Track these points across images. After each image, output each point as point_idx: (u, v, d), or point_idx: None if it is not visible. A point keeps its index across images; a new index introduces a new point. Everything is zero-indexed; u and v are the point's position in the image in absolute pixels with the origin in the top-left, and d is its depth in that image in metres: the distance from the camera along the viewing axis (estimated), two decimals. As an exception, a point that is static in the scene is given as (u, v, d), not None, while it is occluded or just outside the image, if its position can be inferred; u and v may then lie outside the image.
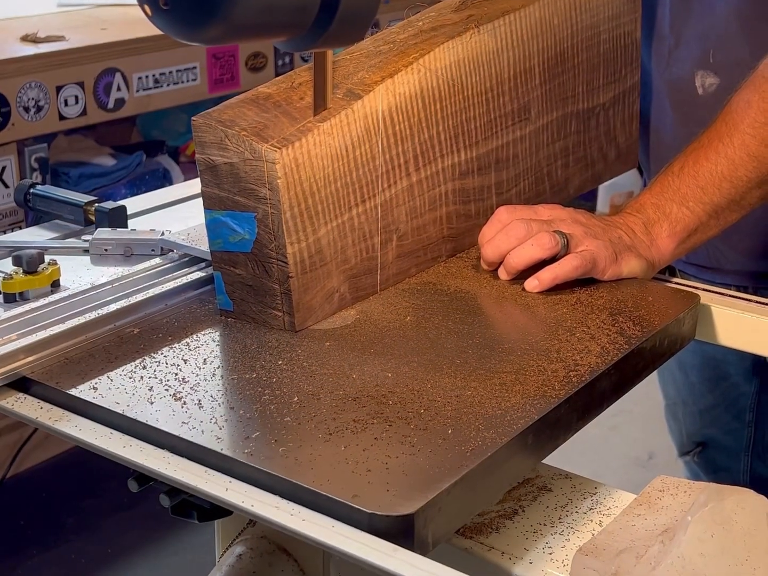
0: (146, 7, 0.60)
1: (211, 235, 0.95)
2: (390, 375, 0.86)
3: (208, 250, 1.04)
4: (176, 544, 2.33)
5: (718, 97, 1.30)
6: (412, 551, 0.68)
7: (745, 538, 0.75)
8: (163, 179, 2.89)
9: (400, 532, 0.69)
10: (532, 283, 1.02)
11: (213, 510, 0.85)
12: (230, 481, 0.74)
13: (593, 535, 0.82)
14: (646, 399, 1.97)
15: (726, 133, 1.08)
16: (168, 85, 2.87)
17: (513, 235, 1.03)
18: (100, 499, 2.45)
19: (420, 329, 0.94)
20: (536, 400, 0.82)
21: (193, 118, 0.92)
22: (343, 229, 0.97)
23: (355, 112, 0.95)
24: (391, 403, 0.81)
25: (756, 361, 1.61)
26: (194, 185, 1.32)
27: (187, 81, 2.92)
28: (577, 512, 0.85)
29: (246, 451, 0.75)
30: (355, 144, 0.96)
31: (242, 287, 0.95)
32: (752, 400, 1.67)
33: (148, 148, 3.01)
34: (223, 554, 0.99)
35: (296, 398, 0.82)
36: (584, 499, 0.87)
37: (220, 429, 0.78)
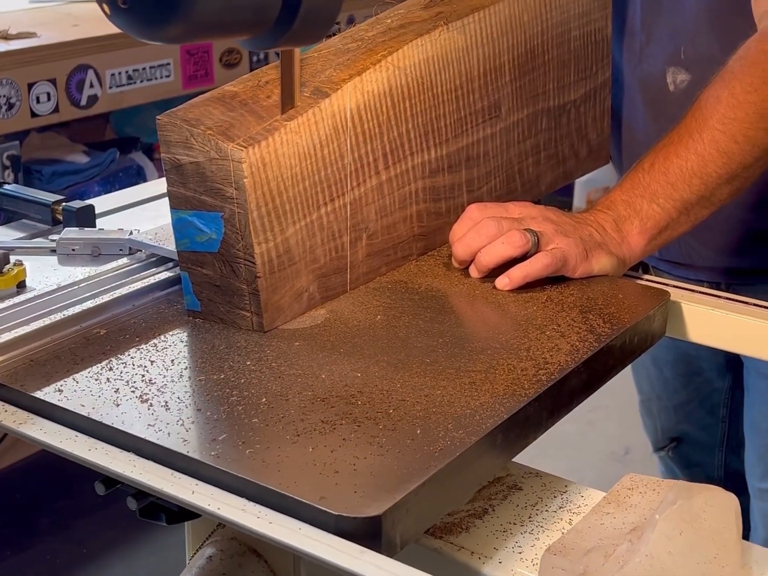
0: (105, 6, 0.59)
1: (178, 235, 0.94)
2: (359, 375, 0.85)
3: (175, 250, 1.03)
4: (152, 544, 2.31)
5: (690, 94, 1.30)
6: (380, 553, 0.67)
7: (714, 535, 0.75)
8: (137, 176, 2.88)
9: (368, 533, 0.68)
10: (502, 282, 1.02)
11: (182, 512, 0.84)
12: (197, 484, 0.73)
13: (563, 533, 0.82)
14: (623, 394, 1.98)
15: (696, 129, 1.08)
16: (141, 81, 2.85)
17: (484, 233, 1.03)
18: (74, 500, 2.44)
19: (390, 328, 0.93)
20: (506, 398, 0.82)
21: (158, 117, 0.91)
22: (312, 228, 0.96)
23: (322, 111, 0.95)
24: (360, 403, 0.81)
25: (729, 357, 1.62)
26: (163, 183, 1.31)
27: (161, 77, 2.90)
28: (547, 511, 0.85)
29: (213, 453, 0.74)
30: (323, 143, 0.95)
31: (210, 287, 0.94)
32: (726, 395, 1.68)
33: (122, 146, 2.99)
34: (193, 556, 0.99)
35: (264, 399, 0.81)
36: (554, 497, 0.87)
37: (187, 431, 0.77)
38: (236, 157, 0.88)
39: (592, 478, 2.64)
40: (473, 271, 1.05)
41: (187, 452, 0.75)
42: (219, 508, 0.71)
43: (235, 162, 0.88)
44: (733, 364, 1.64)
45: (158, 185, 1.29)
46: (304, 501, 0.69)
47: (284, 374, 0.85)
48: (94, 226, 1.14)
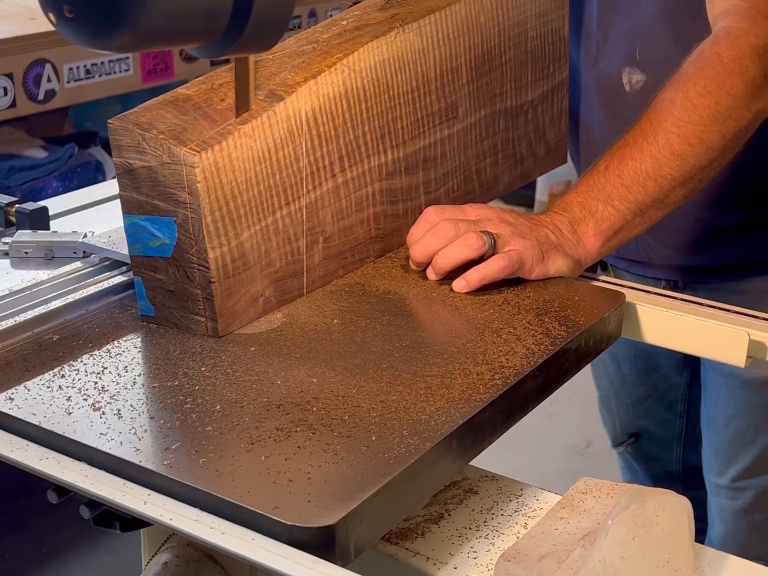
0: (50, 15, 0.58)
1: (131, 240, 0.93)
2: (315, 380, 0.85)
3: (127, 253, 1.02)
4: (112, 543, 2.30)
5: (645, 94, 1.31)
6: (334, 562, 0.67)
7: (667, 539, 0.75)
8: (96, 171, 2.85)
9: (321, 543, 0.68)
10: (459, 284, 1.02)
11: (136, 520, 0.84)
12: (149, 494, 0.72)
13: (518, 538, 0.82)
14: (584, 387, 1.99)
15: (650, 132, 1.09)
16: (100, 75, 2.82)
17: (441, 235, 1.03)
18: (32, 498, 2.41)
19: (347, 332, 0.93)
20: (461, 404, 0.82)
21: (109, 121, 0.90)
22: (267, 232, 0.96)
23: (277, 114, 0.94)
24: (315, 409, 0.81)
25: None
26: (115, 185, 1.30)
27: (120, 71, 2.88)
28: (502, 515, 0.85)
29: (165, 462, 0.74)
30: (278, 146, 0.95)
31: (163, 292, 0.93)
32: (684, 391, 1.70)
33: (81, 140, 2.97)
34: (148, 562, 0.98)
35: (219, 406, 0.81)
36: (510, 501, 0.87)
37: (140, 440, 0.77)
38: (189, 161, 0.87)
39: (553, 471, 2.66)
40: (430, 274, 1.05)
41: (140, 462, 0.74)
42: (171, 519, 0.70)
43: (187, 166, 0.88)
44: (691, 360, 1.65)
45: (113, 185, 1.27)
46: (257, 511, 0.69)
47: (239, 380, 0.85)
48: (48, 229, 1.13)
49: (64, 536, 2.30)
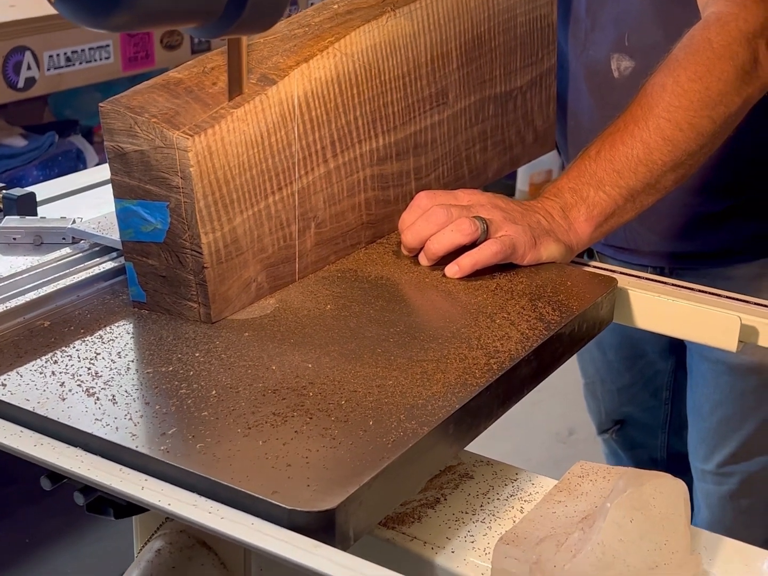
0: (48, -6, 0.58)
1: (122, 225, 0.92)
2: (310, 366, 0.84)
3: (118, 239, 1.02)
4: (98, 532, 2.29)
5: (634, 80, 1.31)
6: (333, 546, 0.67)
7: (664, 522, 0.76)
8: (77, 160, 2.83)
9: (321, 527, 0.68)
10: (452, 269, 1.02)
11: (130, 506, 0.83)
12: (146, 479, 0.72)
13: (514, 521, 0.82)
14: (568, 375, 1.99)
15: (641, 117, 1.09)
16: (80, 63, 2.80)
17: (433, 221, 1.02)
18: (16, 487, 2.40)
19: (340, 318, 0.93)
20: (457, 388, 0.82)
21: (100, 104, 0.90)
22: (260, 217, 0.95)
23: (269, 98, 0.93)
24: (311, 394, 0.80)
25: (672, 339, 1.63)
26: (105, 170, 1.29)
27: (100, 59, 2.86)
28: (498, 499, 0.85)
29: (162, 448, 0.73)
30: (270, 131, 0.94)
31: (155, 278, 0.93)
32: (669, 378, 1.70)
33: (61, 129, 2.94)
34: (141, 549, 0.97)
35: (214, 392, 0.80)
36: (505, 485, 0.87)
37: (135, 425, 0.76)
38: (182, 145, 0.87)
39: (538, 458, 2.67)
40: (423, 259, 1.04)
41: (136, 447, 0.73)
42: (169, 504, 0.70)
43: (180, 150, 0.87)
44: (676, 346, 1.66)
45: (100, 171, 1.27)
46: (256, 495, 0.69)
47: (234, 366, 0.84)
48: (36, 215, 1.12)
49: (49, 525, 2.29)
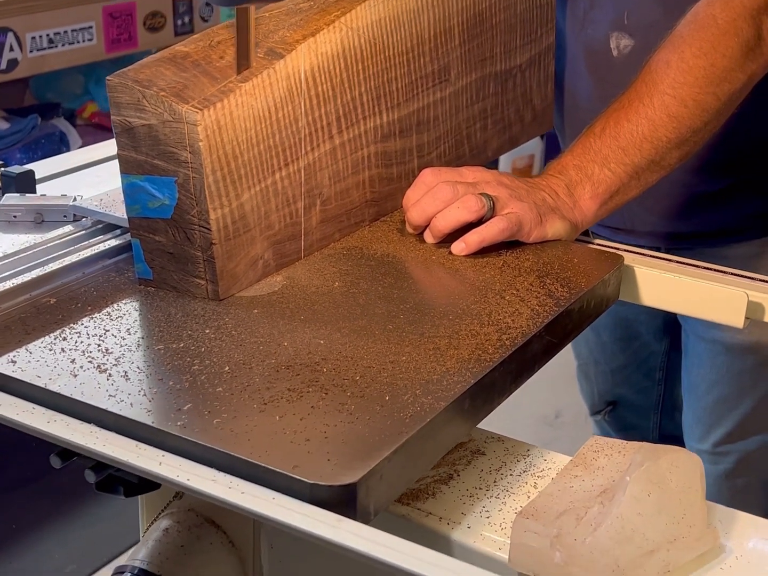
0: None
1: (129, 201, 0.91)
2: (322, 342, 0.84)
3: (123, 217, 1.00)
4: (85, 517, 2.28)
5: (633, 59, 1.30)
6: (355, 521, 0.67)
7: (681, 496, 0.75)
8: (60, 143, 2.81)
9: (343, 501, 0.67)
10: (458, 246, 1.01)
11: (141, 484, 0.82)
12: (163, 455, 0.71)
13: (528, 497, 0.82)
14: (554, 358, 2.00)
15: (646, 94, 1.08)
16: (63, 45, 2.78)
17: (439, 197, 1.02)
18: (3, 473, 2.38)
19: (349, 295, 0.92)
20: (471, 364, 0.81)
21: (108, 77, 0.88)
22: (267, 193, 0.94)
23: (277, 72, 0.92)
24: (325, 370, 0.80)
25: (666, 320, 1.64)
26: (101, 148, 1.28)
27: (83, 41, 2.83)
28: (511, 475, 0.85)
29: (179, 423, 0.72)
30: (277, 105, 0.93)
31: (162, 255, 0.92)
32: (662, 358, 1.70)
33: (43, 111, 2.92)
34: (147, 528, 0.97)
35: (227, 368, 0.80)
36: (517, 461, 0.86)
37: (150, 401, 0.75)
38: (191, 119, 0.86)
39: (524, 440, 2.67)
40: (428, 236, 1.04)
41: (152, 423, 0.73)
42: (188, 479, 0.69)
43: (189, 124, 0.86)
44: (670, 327, 1.66)
45: (97, 150, 1.26)
46: (277, 470, 0.68)
47: (245, 342, 0.84)
48: (35, 192, 1.10)
49: (37, 512, 2.27)
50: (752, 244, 1.40)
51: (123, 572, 0.92)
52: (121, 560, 2.18)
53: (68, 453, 0.78)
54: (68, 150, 2.81)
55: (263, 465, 0.68)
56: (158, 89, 0.86)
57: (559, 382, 2.43)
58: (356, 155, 1.04)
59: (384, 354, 0.82)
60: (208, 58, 0.91)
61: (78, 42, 2.81)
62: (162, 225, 0.90)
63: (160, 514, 0.96)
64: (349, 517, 0.66)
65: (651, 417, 1.79)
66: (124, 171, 0.90)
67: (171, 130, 0.86)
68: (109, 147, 1.22)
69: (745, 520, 0.80)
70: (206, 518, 0.93)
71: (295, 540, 0.88)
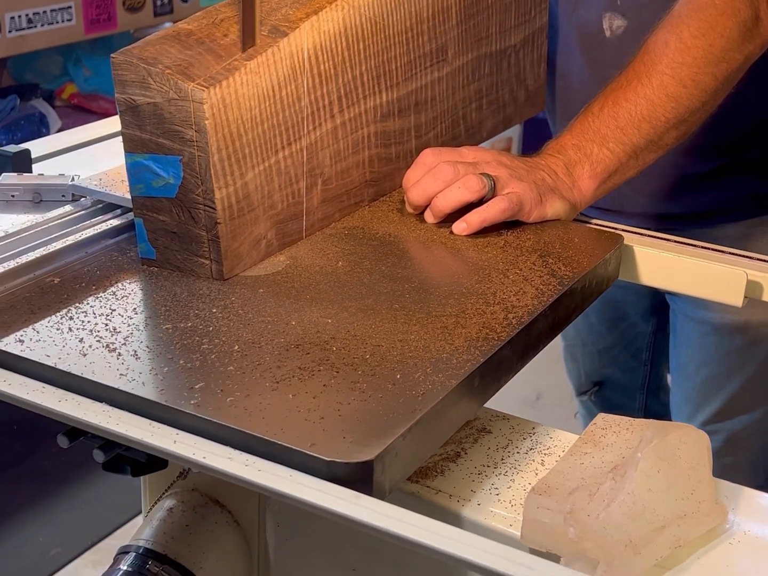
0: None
1: (132, 180, 0.91)
2: (330, 321, 0.84)
3: (124, 196, 1.00)
4: (69, 500, 2.27)
5: (626, 40, 1.31)
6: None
7: (689, 472, 0.76)
8: (40, 124, 2.78)
9: (359, 479, 0.67)
10: (460, 226, 1.01)
11: (147, 464, 0.82)
12: (177, 434, 0.71)
13: (536, 474, 0.82)
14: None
15: (645, 74, 1.09)
16: (42, 25, 2.75)
17: (440, 177, 1.02)
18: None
19: (353, 274, 0.92)
20: (479, 342, 0.81)
21: (112, 55, 0.87)
22: (270, 173, 0.94)
23: (281, 51, 0.92)
24: (335, 349, 0.80)
25: (654, 301, 1.65)
26: (95, 128, 1.27)
27: (62, 21, 2.80)
28: (518, 452, 0.85)
29: (192, 402, 0.72)
30: (281, 84, 0.93)
31: (166, 234, 0.91)
32: (649, 339, 1.72)
33: (22, 92, 2.89)
34: (150, 509, 0.96)
35: (237, 347, 0.80)
36: (524, 439, 0.87)
37: (162, 380, 0.75)
38: (197, 97, 0.85)
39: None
40: (429, 216, 1.04)
41: (165, 401, 0.72)
42: (204, 457, 0.69)
43: (195, 103, 0.85)
44: (657, 308, 1.67)
45: (93, 129, 1.25)
46: (294, 448, 0.68)
47: (253, 321, 0.83)
48: (31, 172, 1.09)
49: (19, 496, 2.27)
50: (741, 224, 1.41)
51: (128, 552, 0.92)
52: (106, 543, 2.18)
53: (76, 432, 0.78)
54: (48, 131, 2.79)
55: (280, 443, 0.68)
56: (164, 67, 0.86)
57: (541, 363, 2.45)
58: (356, 135, 1.04)
59: (392, 333, 0.82)
60: (212, 35, 0.91)
61: (57, 22, 2.79)
62: (166, 204, 0.90)
63: (163, 494, 0.96)
64: (366, 494, 0.67)
65: (637, 397, 1.80)
66: (128, 150, 0.89)
67: (176, 108, 0.86)
68: (103, 126, 1.22)
69: (751, 495, 0.81)
70: (211, 498, 0.93)
71: (303, 518, 0.88)
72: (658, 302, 1.66)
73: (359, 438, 0.69)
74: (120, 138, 1.12)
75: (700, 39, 1.08)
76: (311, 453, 0.68)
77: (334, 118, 1.00)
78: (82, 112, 2.93)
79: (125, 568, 0.90)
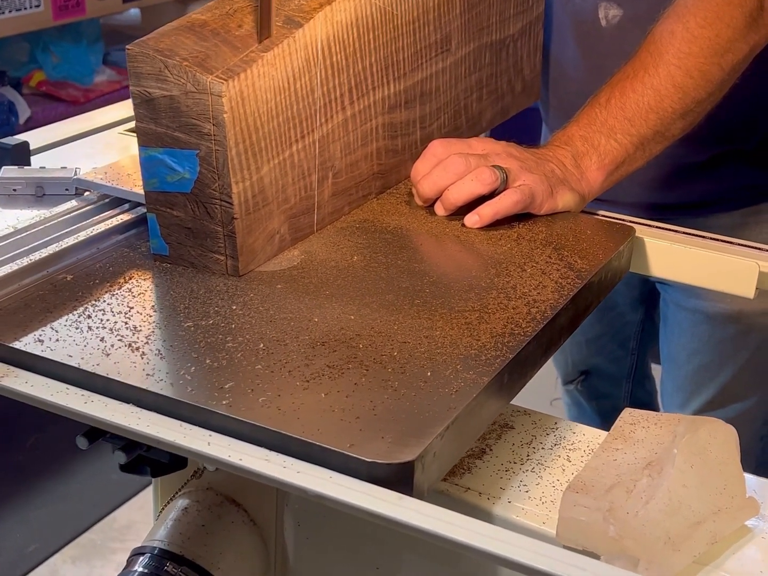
0: None
1: (146, 175, 0.89)
2: (353, 317, 0.83)
3: (131, 190, 0.98)
4: (45, 496, 2.24)
5: (622, 29, 1.30)
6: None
7: (721, 467, 0.76)
8: (9, 113, 2.73)
9: (400, 479, 0.66)
10: (472, 219, 1.00)
11: (168, 465, 0.81)
12: (210, 435, 0.69)
13: (563, 470, 0.82)
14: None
15: (651, 64, 1.08)
16: (9, 11, 2.69)
17: (451, 170, 1.01)
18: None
19: (370, 269, 0.91)
20: (506, 338, 0.81)
21: (127, 46, 0.85)
22: (284, 167, 0.92)
23: (296, 42, 0.90)
24: (361, 346, 0.78)
25: (643, 290, 1.66)
26: (93, 118, 1.24)
27: (30, 7, 2.75)
28: (543, 448, 0.85)
29: (224, 402, 0.71)
30: (296, 76, 0.91)
31: (180, 230, 0.89)
32: (637, 328, 1.72)
33: (-13, 80, 2.83)
34: (163, 509, 0.95)
35: (262, 345, 0.78)
36: (547, 435, 0.86)
37: (190, 379, 0.73)
38: (216, 90, 0.83)
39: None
40: (439, 209, 1.03)
41: (196, 402, 0.71)
42: (240, 459, 0.67)
43: (214, 96, 0.83)
44: (646, 297, 1.68)
45: (90, 119, 1.22)
46: (332, 449, 0.67)
47: (275, 318, 0.82)
48: (30, 164, 1.07)
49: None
50: (735, 214, 1.42)
51: (143, 553, 0.90)
52: (84, 538, 2.15)
53: (95, 433, 0.77)
54: (17, 119, 2.73)
55: (318, 444, 0.67)
56: (181, 59, 0.84)
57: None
58: (365, 127, 1.03)
59: (417, 329, 0.81)
60: (227, 26, 0.89)
61: (25, 8, 2.73)
62: (181, 199, 0.88)
63: (177, 493, 0.94)
64: (406, 495, 0.66)
65: (623, 385, 1.81)
66: (143, 144, 0.87)
67: (194, 101, 0.84)
68: (101, 116, 1.19)
69: (778, 488, 0.81)
70: (226, 497, 0.92)
71: (324, 517, 0.87)
72: (647, 291, 1.66)
73: (397, 438, 0.68)
74: (117, 129, 1.10)
75: (707, 29, 1.07)
76: (351, 454, 0.66)
77: (344, 110, 0.99)
78: (51, 99, 2.88)
79: (141, 569, 0.88)
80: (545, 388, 2.28)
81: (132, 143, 1.14)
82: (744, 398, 1.52)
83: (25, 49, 2.96)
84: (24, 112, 2.77)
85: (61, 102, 2.88)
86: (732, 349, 1.48)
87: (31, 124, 2.71)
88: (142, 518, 2.24)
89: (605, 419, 1.83)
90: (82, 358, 0.75)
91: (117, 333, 0.79)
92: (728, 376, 1.50)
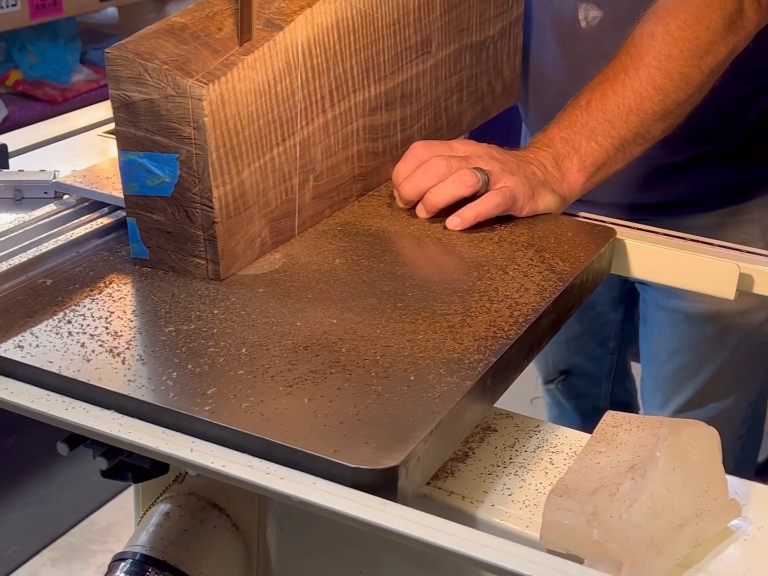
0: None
1: (126, 179, 0.88)
2: (335, 321, 0.82)
3: (111, 194, 0.98)
4: (23, 498, 2.22)
5: (602, 30, 1.31)
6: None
7: (703, 469, 0.76)
8: (-15, 114, 2.71)
9: (384, 485, 0.66)
10: (454, 221, 1.00)
11: (149, 471, 0.80)
12: (193, 441, 0.69)
13: (546, 473, 0.82)
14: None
15: (632, 66, 1.09)
16: (-15, 11, 2.67)
17: (433, 172, 1.00)
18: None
19: (352, 272, 0.91)
20: (488, 341, 0.81)
21: (106, 50, 0.85)
22: (265, 170, 0.92)
23: (277, 45, 0.90)
24: (344, 350, 0.78)
25: (623, 290, 1.66)
26: (72, 119, 1.23)
27: (6, 6, 2.73)
28: (525, 451, 0.85)
29: (206, 408, 0.71)
30: (276, 79, 0.91)
31: (160, 234, 0.89)
32: (617, 328, 1.73)
33: (-37, 80, 2.81)
34: (144, 513, 0.94)
35: (244, 350, 0.78)
36: (530, 437, 0.86)
37: (172, 385, 0.73)
38: (196, 94, 0.83)
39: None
40: (421, 211, 1.03)
41: (179, 408, 0.70)
42: (224, 466, 0.67)
43: (194, 99, 0.83)
44: (625, 297, 1.68)
45: (68, 121, 1.21)
46: (316, 455, 0.66)
47: (257, 323, 0.82)
48: (8, 167, 1.06)
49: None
50: (713, 215, 1.42)
51: (124, 559, 0.89)
52: (64, 540, 2.14)
53: (76, 439, 0.76)
54: (-7, 121, 2.72)
55: (302, 450, 0.67)
56: (161, 62, 0.83)
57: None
58: (346, 129, 1.03)
59: (400, 332, 0.81)
60: (207, 29, 0.88)
61: (1, 7, 2.71)
62: (161, 203, 0.87)
63: (158, 498, 0.94)
64: (390, 501, 0.66)
65: (603, 385, 1.81)
66: (123, 147, 0.86)
67: (174, 105, 0.83)
68: (79, 118, 1.18)
69: (759, 490, 0.81)
70: (209, 501, 0.92)
71: (306, 522, 0.87)
72: (627, 291, 1.67)
73: (382, 443, 0.68)
74: (97, 131, 1.09)
75: (687, 31, 1.08)
76: (335, 460, 0.66)
77: (325, 112, 0.99)
78: (28, 99, 2.86)
79: (123, 575, 0.88)
80: (526, 388, 2.28)
81: (111, 145, 1.13)
82: (723, 398, 1.52)
83: (2, 49, 2.93)
84: (1, 111, 2.75)
85: (38, 101, 2.86)
86: (711, 349, 1.49)
87: (8, 124, 2.70)
88: (122, 520, 2.23)
89: (586, 418, 1.84)
90: (63, 364, 0.75)
91: (98, 338, 0.78)
92: (707, 375, 1.51)
